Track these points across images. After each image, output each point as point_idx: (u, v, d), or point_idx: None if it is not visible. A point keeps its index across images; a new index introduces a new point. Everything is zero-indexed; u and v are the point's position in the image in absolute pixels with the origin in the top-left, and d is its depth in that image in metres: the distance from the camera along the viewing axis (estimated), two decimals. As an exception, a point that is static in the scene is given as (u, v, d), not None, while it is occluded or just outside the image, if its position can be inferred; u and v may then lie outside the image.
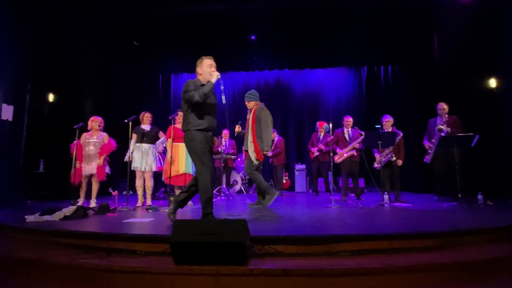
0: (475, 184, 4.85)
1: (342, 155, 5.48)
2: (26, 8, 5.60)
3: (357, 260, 2.08)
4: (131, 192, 4.77)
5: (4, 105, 5.17)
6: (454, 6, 6.09)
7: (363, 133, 5.33)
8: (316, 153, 6.55)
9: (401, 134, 5.03)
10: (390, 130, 5.05)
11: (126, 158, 4.76)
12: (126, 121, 4.51)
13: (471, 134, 4.25)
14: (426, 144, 5.08)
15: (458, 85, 5.94)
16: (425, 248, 2.27)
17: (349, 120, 5.67)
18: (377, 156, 5.02)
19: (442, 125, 4.83)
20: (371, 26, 7.12)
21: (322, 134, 6.67)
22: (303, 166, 8.02)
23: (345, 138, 5.57)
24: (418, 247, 2.27)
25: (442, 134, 4.71)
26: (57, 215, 3.31)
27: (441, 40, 6.68)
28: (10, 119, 5.31)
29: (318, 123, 6.89)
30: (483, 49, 5.61)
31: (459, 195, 4.21)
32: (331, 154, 4.88)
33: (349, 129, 5.64)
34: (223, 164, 6.37)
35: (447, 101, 5.18)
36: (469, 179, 4.70)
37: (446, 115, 4.98)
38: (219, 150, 6.27)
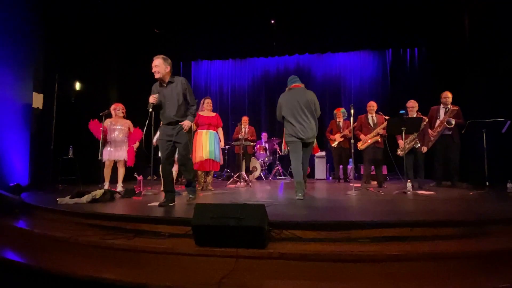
0: (505, 171, 4.62)
1: (366, 141, 5.32)
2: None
3: (376, 246, 2.07)
4: (155, 177, 4.94)
5: (34, 94, 5.42)
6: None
7: (388, 118, 5.17)
8: (340, 140, 6.40)
9: (427, 120, 4.84)
10: (415, 115, 4.88)
11: (154, 141, 4.87)
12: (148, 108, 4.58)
13: (502, 119, 4.04)
14: (430, 131, 4.99)
15: (491, 67, 5.57)
16: (448, 236, 2.22)
17: (372, 105, 5.48)
18: (401, 142, 4.87)
19: (450, 117, 4.88)
20: (396, 5, 6.76)
21: (341, 120, 6.51)
22: (323, 153, 7.92)
23: (369, 123, 5.41)
24: (441, 235, 2.22)
25: (448, 126, 4.85)
26: (86, 198, 3.50)
27: (473, 17, 6.24)
28: (41, 107, 5.58)
29: (335, 110, 6.69)
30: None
31: (487, 183, 4.05)
32: (352, 140, 4.72)
33: (373, 115, 5.48)
34: (242, 151, 6.41)
35: (478, 85, 4.92)
36: (498, 166, 4.49)
37: (450, 105, 4.94)
38: (239, 136, 6.31)
